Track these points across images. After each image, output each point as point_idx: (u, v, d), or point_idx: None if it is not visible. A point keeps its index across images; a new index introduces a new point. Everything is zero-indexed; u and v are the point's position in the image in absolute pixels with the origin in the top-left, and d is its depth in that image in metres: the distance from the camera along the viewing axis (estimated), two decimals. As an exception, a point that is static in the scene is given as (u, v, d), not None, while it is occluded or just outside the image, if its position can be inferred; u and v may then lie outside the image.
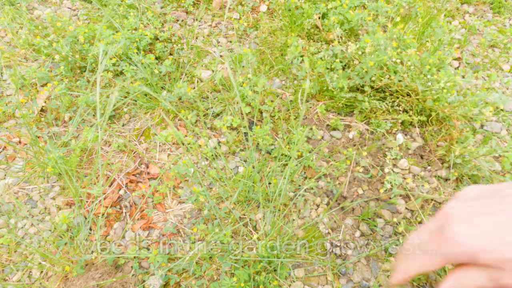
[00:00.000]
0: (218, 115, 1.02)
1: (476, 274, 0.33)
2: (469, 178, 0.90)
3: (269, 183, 0.90)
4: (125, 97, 1.04)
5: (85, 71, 1.12)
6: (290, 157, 0.93)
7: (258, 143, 0.97)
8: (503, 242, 0.30)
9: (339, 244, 0.83)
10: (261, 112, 1.00)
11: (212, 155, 0.95)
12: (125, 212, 0.88)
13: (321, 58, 1.08)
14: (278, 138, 0.96)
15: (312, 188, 0.88)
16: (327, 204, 0.88)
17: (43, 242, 0.83)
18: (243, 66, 1.09)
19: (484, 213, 0.32)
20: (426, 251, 0.34)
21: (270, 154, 0.96)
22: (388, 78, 0.94)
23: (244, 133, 0.99)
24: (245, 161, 0.96)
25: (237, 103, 0.98)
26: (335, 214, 0.87)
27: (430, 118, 0.97)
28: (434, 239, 0.33)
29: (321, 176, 0.91)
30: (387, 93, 0.99)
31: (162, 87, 1.05)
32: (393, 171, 0.92)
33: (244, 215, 0.85)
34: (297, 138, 0.87)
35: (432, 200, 0.87)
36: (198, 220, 0.86)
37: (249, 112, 0.97)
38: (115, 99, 1.03)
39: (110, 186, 0.91)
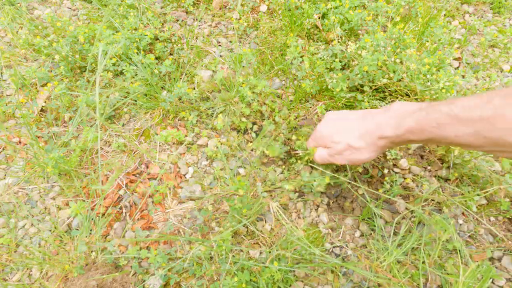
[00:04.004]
0: (218, 115, 1.01)
1: (324, 150, 0.76)
2: (469, 178, 0.90)
3: (272, 184, 0.91)
4: (125, 97, 1.04)
5: (85, 71, 1.12)
6: (291, 157, 0.93)
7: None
8: (334, 132, 0.72)
9: (339, 244, 0.83)
10: (261, 112, 1.01)
11: (212, 155, 0.95)
12: (125, 212, 0.88)
13: (321, 59, 1.08)
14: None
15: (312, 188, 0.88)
16: (327, 204, 0.88)
17: (43, 242, 0.83)
18: (243, 66, 1.09)
19: (332, 121, 0.74)
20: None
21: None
22: (387, 78, 0.94)
23: (245, 133, 0.99)
24: (244, 167, 0.96)
25: (237, 103, 0.98)
26: (335, 214, 0.87)
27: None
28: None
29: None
30: (386, 93, 0.99)
31: (162, 87, 1.06)
32: (393, 171, 0.92)
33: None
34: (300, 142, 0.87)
35: (432, 200, 0.87)
36: (197, 225, 0.86)
37: (249, 113, 0.97)
38: (115, 100, 1.03)
39: (110, 186, 0.91)
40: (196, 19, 1.30)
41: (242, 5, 1.31)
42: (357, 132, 0.68)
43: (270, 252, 0.76)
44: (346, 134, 0.70)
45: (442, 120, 0.56)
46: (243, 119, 0.97)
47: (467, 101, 0.54)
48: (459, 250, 0.78)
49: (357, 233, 0.84)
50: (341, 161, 0.73)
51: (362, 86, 1.00)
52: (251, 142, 0.98)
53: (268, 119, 0.98)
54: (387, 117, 0.65)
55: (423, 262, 0.78)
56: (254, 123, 1.00)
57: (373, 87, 0.97)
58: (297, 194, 0.89)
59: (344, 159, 0.72)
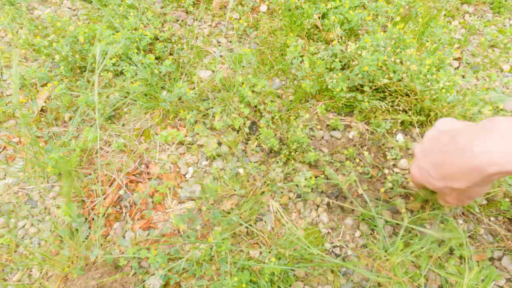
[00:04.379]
0: (219, 114, 1.01)
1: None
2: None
3: (272, 181, 0.91)
4: (125, 97, 1.04)
5: (85, 71, 1.12)
6: (291, 157, 0.93)
7: (260, 144, 0.97)
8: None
9: (339, 244, 0.83)
10: (261, 112, 1.01)
11: (212, 155, 0.95)
12: (125, 212, 0.88)
13: (321, 59, 1.08)
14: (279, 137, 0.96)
15: (312, 189, 0.88)
16: (327, 204, 0.88)
17: (43, 242, 0.83)
18: (243, 66, 1.09)
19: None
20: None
21: (271, 152, 0.96)
22: (387, 78, 0.94)
23: (247, 133, 0.99)
24: (244, 167, 0.96)
25: (237, 103, 0.98)
26: (335, 213, 0.87)
27: (429, 118, 0.97)
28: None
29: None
30: (386, 93, 0.99)
31: (162, 87, 1.06)
32: (393, 171, 0.92)
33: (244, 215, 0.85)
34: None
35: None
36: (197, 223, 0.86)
37: (248, 113, 0.97)
38: (115, 100, 1.03)
39: (110, 186, 0.91)
40: (196, 19, 1.30)
41: (242, 5, 1.31)
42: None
43: (270, 252, 0.76)
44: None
45: None
46: (238, 117, 0.96)
47: None
48: (466, 256, 0.78)
49: (357, 233, 0.84)
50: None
51: (362, 86, 1.00)
52: (248, 141, 0.98)
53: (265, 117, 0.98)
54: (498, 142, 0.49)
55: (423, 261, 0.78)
56: (254, 123, 1.00)
57: (373, 87, 0.97)
58: (296, 194, 0.89)
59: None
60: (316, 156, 0.90)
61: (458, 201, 0.64)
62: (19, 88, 1.07)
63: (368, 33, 1.09)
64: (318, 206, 0.88)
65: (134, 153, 0.97)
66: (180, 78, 1.10)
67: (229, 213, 0.84)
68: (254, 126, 1.01)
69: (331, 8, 1.16)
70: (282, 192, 0.90)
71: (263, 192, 0.88)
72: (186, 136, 1.00)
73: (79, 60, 1.09)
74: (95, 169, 0.93)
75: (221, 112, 1.01)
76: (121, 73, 1.11)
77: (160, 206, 0.89)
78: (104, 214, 0.86)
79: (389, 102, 0.97)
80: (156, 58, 1.12)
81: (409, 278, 0.76)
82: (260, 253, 0.80)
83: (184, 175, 0.94)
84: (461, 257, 0.79)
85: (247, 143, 0.98)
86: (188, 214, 0.85)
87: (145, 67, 1.03)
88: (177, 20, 1.29)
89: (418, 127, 1.00)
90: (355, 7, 1.16)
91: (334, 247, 0.82)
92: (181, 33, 1.24)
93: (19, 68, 1.13)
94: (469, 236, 0.83)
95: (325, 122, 1.02)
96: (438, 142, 0.59)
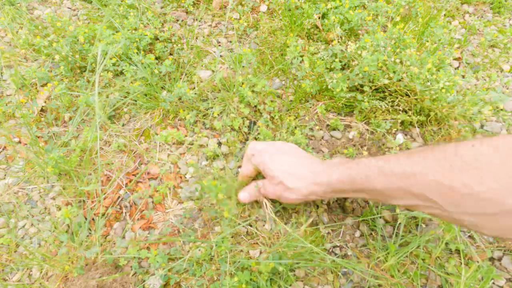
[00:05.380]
0: (218, 115, 1.02)
1: (256, 182, 0.80)
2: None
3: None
4: (125, 97, 1.04)
5: (85, 71, 1.12)
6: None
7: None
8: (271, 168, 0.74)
9: (339, 244, 0.83)
10: (261, 113, 1.01)
11: (212, 155, 0.95)
12: (125, 212, 0.88)
13: (321, 59, 1.08)
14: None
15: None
16: (327, 204, 0.88)
17: (43, 242, 0.83)
18: (243, 66, 1.09)
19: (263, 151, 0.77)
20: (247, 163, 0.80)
21: None
22: (387, 78, 0.94)
23: (246, 133, 0.99)
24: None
25: (237, 103, 0.98)
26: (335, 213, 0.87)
27: (429, 118, 0.97)
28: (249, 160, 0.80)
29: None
30: (386, 93, 0.99)
31: (162, 87, 1.06)
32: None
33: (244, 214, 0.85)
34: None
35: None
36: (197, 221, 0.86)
37: (248, 113, 0.97)
38: (115, 100, 1.03)
39: (110, 186, 0.91)
40: (196, 19, 1.30)
41: (242, 5, 1.31)
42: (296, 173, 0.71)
43: (270, 253, 0.76)
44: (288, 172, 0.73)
45: (370, 172, 0.61)
46: (237, 117, 0.96)
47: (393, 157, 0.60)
48: (462, 250, 0.78)
49: (357, 233, 0.84)
50: (271, 196, 0.77)
51: (362, 86, 1.00)
52: (247, 141, 0.98)
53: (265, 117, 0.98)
54: (324, 166, 0.70)
55: (423, 260, 0.78)
56: (253, 123, 1.00)
57: (373, 87, 0.97)
58: None
59: (274, 195, 0.76)
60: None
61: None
62: (19, 88, 1.07)
63: (368, 33, 1.09)
64: (318, 206, 0.88)
65: (134, 153, 0.97)
66: (180, 78, 1.10)
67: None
68: (254, 126, 1.01)
69: (331, 8, 1.16)
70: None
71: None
72: (186, 136, 1.00)
73: (79, 60, 1.09)
74: (95, 169, 0.93)
75: (221, 112, 1.01)
76: (121, 73, 1.11)
77: (160, 206, 0.89)
78: (104, 214, 0.86)
79: (389, 102, 0.97)
80: (156, 58, 1.12)
81: (408, 278, 0.76)
82: (260, 252, 0.80)
83: (184, 175, 0.94)
84: (458, 252, 0.79)
85: (246, 143, 0.98)
86: (188, 214, 0.85)
87: (145, 67, 1.03)
88: (177, 20, 1.29)
89: (418, 127, 1.00)
90: (355, 7, 1.16)
91: (334, 247, 0.82)
92: (181, 33, 1.24)
93: (19, 68, 1.13)
94: (469, 236, 0.83)
95: (325, 122, 1.02)
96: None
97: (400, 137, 0.98)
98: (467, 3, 1.38)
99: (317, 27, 1.20)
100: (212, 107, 1.02)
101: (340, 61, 1.05)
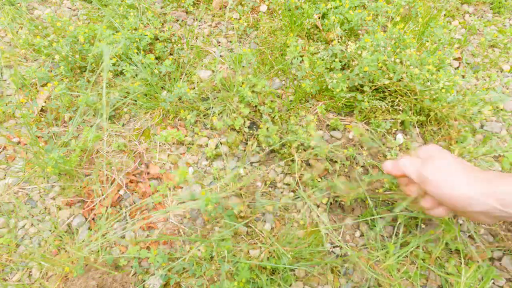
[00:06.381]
0: (218, 115, 1.02)
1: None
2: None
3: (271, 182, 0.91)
4: (125, 97, 1.04)
5: (85, 71, 1.12)
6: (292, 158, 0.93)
7: (260, 143, 0.97)
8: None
9: (339, 244, 0.83)
10: (261, 113, 1.01)
11: (212, 155, 0.95)
12: (125, 212, 0.88)
13: (321, 59, 1.08)
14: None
15: (312, 188, 0.88)
16: (327, 204, 0.88)
17: (43, 242, 0.83)
18: (243, 66, 1.09)
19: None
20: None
21: (272, 152, 0.96)
22: (387, 78, 0.94)
23: (247, 133, 0.99)
24: (244, 167, 0.96)
25: (237, 103, 0.98)
26: (335, 213, 0.87)
27: (429, 118, 0.97)
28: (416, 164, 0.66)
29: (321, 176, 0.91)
30: (386, 93, 0.99)
31: (162, 87, 1.06)
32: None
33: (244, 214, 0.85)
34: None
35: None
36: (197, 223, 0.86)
37: (248, 113, 0.97)
38: (115, 100, 1.03)
39: (110, 185, 0.91)
40: (196, 19, 1.30)
41: (242, 5, 1.31)
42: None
43: (270, 253, 0.77)
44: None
45: None
46: (238, 117, 0.96)
47: None
48: (462, 250, 0.78)
49: (357, 233, 0.84)
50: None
51: (362, 86, 1.00)
52: (248, 141, 0.98)
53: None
54: None
55: (423, 260, 0.78)
56: (253, 123, 1.00)
57: (373, 87, 0.97)
58: (295, 193, 0.89)
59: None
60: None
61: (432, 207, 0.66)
62: (19, 88, 1.07)
63: (368, 33, 1.09)
64: (318, 206, 0.88)
65: (134, 153, 0.97)
66: (180, 78, 1.10)
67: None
68: (254, 126, 1.01)
69: (331, 8, 1.16)
70: (282, 192, 0.90)
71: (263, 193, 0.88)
72: (186, 136, 1.00)
73: (79, 60, 1.09)
74: (95, 169, 0.93)
75: (220, 113, 1.01)
76: (121, 73, 1.11)
77: (160, 206, 0.89)
78: (104, 214, 0.86)
79: (389, 102, 0.97)
80: (156, 58, 1.12)
81: (408, 277, 0.76)
82: (260, 252, 0.80)
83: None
84: (458, 252, 0.79)
85: (246, 143, 0.98)
86: (188, 214, 0.85)
87: (145, 67, 1.03)
88: (177, 20, 1.29)
89: (418, 127, 1.00)
90: (355, 7, 1.16)
91: (334, 247, 0.82)
92: (181, 33, 1.24)
93: (19, 68, 1.13)
94: (469, 236, 0.83)
95: (325, 122, 1.02)
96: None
97: (400, 137, 0.98)
98: (467, 3, 1.38)
99: (317, 27, 1.20)
100: (212, 107, 1.02)
101: (340, 61, 1.05)
